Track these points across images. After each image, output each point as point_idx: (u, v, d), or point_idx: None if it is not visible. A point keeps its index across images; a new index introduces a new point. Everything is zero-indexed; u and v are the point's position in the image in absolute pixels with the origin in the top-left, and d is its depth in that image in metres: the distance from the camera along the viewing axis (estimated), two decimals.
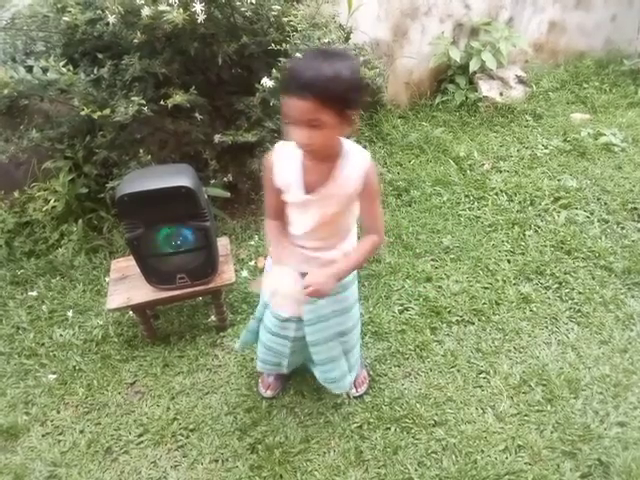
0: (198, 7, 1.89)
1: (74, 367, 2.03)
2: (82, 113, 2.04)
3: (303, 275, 1.44)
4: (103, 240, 2.57)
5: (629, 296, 2.21)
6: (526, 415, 1.78)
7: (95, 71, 2.14)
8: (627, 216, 2.64)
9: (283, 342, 1.63)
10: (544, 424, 1.75)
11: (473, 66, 3.53)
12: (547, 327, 2.10)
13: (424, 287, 2.28)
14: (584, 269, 2.34)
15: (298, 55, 1.17)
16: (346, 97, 1.10)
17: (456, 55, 3.49)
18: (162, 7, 1.88)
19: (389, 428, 1.76)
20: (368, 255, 1.40)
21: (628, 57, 4.07)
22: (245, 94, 2.29)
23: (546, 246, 2.47)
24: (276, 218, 1.41)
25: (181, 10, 1.88)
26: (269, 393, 1.87)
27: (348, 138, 1.28)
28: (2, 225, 2.55)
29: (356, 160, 1.27)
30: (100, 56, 2.16)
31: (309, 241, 1.42)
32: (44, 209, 2.53)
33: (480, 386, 1.89)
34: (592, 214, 2.66)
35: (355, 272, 1.57)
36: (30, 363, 2.05)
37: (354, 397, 1.86)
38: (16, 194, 2.66)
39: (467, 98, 3.61)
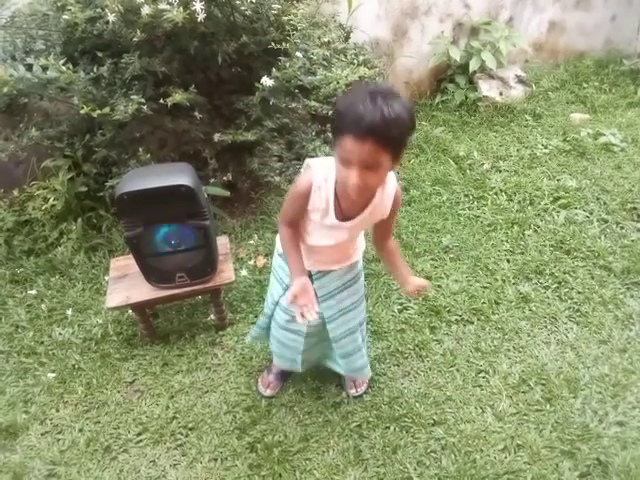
0: (198, 6, 1.88)
1: (73, 366, 2.03)
2: (82, 112, 2.04)
3: (317, 273, 1.50)
4: (102, 239, 2.56)
5: (628, 296, 2.21)
6: (525, 414, 1.78)
7: (95, 69, 2.14)
8: (626, 216, 2.64)
9: (295, 337, 1.65)
10: (543, 423, 1.75)
11: (473, 66, 3.53)
12: (546, 327, 2.10)
13: None
14: (583, 269, 2.35)
15: (347, 94, 1.15)
16: (405, 139, 1.10)
17: (456, 55, 3.49)
18: (162, 6, 1.87)
19: (388, 427, 1.76)
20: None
21: (628, 57, 4.07)
22: (245, 93, 2.29)
23: (545, 246, 2.47)
24: (291, 226, 1.40)
25: (181, 9, 1.87)
26: (269, 392, 1.87)
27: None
28: (1, 224, 2.55)
29: (389, 187, 1.28)
30: (100, 54, 2.16)
31: (326, 249, 1.44)
32: (43, 208, 2.53)
33: (479, 385, 1.89)
34: (591, 214, 2.66)
35: (362, 263, 1.61)
36: (29, 362, 2.05)
37: (354, 397, 1.86)
38: (15, 192, 2.66)
39: (467, 98, 3.62)
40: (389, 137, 1.05)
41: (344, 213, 1.30)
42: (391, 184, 1.29)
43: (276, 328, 1.68)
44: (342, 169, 1.13)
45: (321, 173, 1.26)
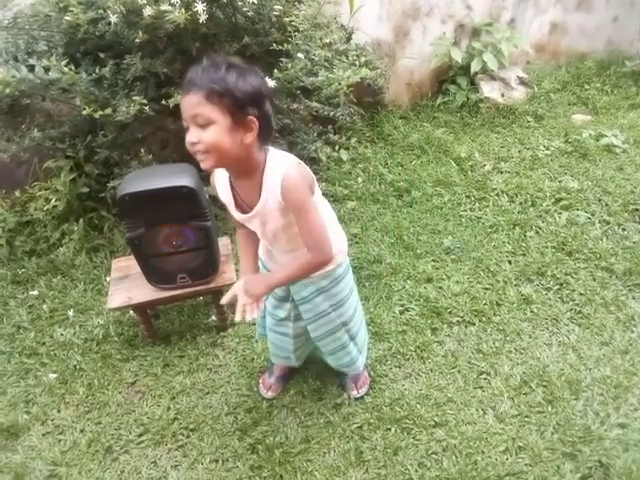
0: (200, 7, 1.89)
1: (75, 366, 2.03)
2: (84, 112, 2.04)
3: None
4: (104, 239, 2.57)
5: (630, 297, 2.21)
6: (527, 416, 1.78)
7: (97, 70, 2.14)
8: (628, 217, 2.63)
9: (284, 339, 1.68)
10: (545, 425, 1.75)
11: (474, 67, 3.52)
12: (548, 328, 2.10)
13: (425, 288, 2.28)
14: (585, 270, 2.34)
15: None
16: (233, 95, 1.09)
17: (457, 56, 3.48)
18: (164, 7, 1.88)
19: (389, 429, 1.76)
20: (300, 272, 1.35)
21: (630, 58, 4.06)
22: None
23: (547, 247, 2.47)
24: (241, 227, 1.42)
25: (183, 10, 1.88)
26: (270, 394, 1.87)
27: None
28: (3, 224, 2.56)
29: (274, 174, 1.21)
30: (102, 55, 2.17)
31: (276, 248, 1.43)
32: (45, 208, 2.53)
33: (481, 387, 1.89)
34: (593, 215, 2.65)
35: (346, 264, 1.56)
36: (31, 362, 2.06)
37: (355, 398, 1.85)
38: (17, 193, 2.66)
39: (468, 99, 3.61)
40: (210, 87, 1.07)
41: (246, 204, 1.29)
42: (277, 171, 1.20)
43: (267, 330, 1.71)
44: (186, 132, 1.13)
45: (217, 174, 1.31)
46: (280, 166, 1.21)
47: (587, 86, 3.89)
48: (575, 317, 2.14)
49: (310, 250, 1.29)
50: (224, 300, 1.39)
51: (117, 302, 1.92)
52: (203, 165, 1.16)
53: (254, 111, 1.13)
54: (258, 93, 1.14)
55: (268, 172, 1.22)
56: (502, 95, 3.64)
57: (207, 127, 1.10)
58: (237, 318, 1.32)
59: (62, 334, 2.16)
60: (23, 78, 2.02)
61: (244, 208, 1.30)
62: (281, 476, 1.64)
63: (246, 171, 1.22)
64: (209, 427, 1.79)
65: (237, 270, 2.26)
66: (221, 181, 1.31)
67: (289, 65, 2.15)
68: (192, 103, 1.08)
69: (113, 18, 1.98)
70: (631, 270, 2.31)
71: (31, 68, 2.07)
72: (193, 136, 1.11)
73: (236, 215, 1.33)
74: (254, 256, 1.50)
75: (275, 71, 2.12)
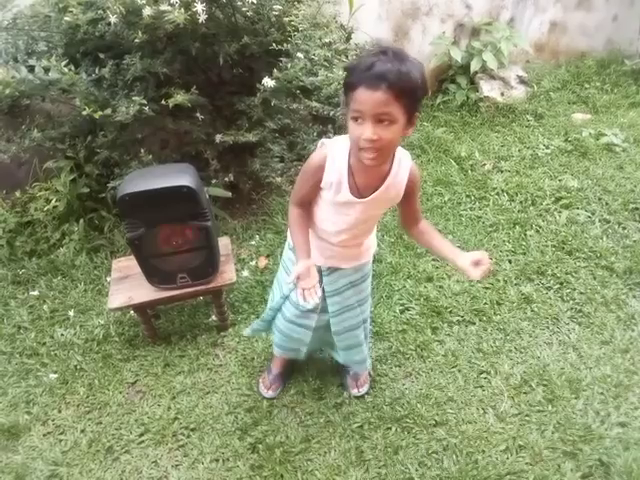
0: (199, 7, 1.89)
1: (75, 366, 2.03)
2: (83, 113, 2.04)
3: (327, 269, 1.50)
4: (104, 240, 2.57)
5: (630, 296, 2.21)
6: (527, 415, 1.78)
7: (96, 71, 2.14)
8: (628, 216, 2.63)
9: (304, 332, 1.66)
10: (545, 424, 1.75)
11: (474, 66, 3.52)
12: (548, 327, 2.10)
13: (425, 287, 2.28)
14: (585, 269, 2.34)
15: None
16: (416, 94, 1.09)
17: (457, 55, 3.49)
18: (163, 7, 1.88)
19: (390, 428, 1.76)
20: None
21: (629, 57, 4.07)
22: (246, 94, 2.29)
23: (547, 246, 2.47)
24: (301, 207, 1.39)
25: (182, 10, 1.87)
26: (270, 393, 1.87)
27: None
28: (4, 225, 2.55)
29: (404, 164, 1.27)
30: (101, 56, 2.16)
31: (339, 238, 1.40)
32: (45, 209, 2.53)
33: (481, 386, 1.89)
34: (593, 214, 2.65)
35: (372, 265, 1.62)
36: (31, 362, 2.06)
37: (355, 397, 1.86)
38: (17, 194, 2.66)
39: (468, 98, 3.61)
40: (401, 86, 1.04)
41: (359, 190, 1.27)
42: (406, 161, 1.27)
43: (283, 321, 1.67)
44: (355, 127, 1.10)
45: (336, 147, 1.26)
46: (406, 157, 1.28)
47: (587, 85, 3.90)
48: (575, 316, 2.14)
49: (421, 216, 1.43)
50: (291, 278, 1.29)
51: (117, 302, 1.92)
52: (371, 162, 1.14)
53: (420, 106, 1.15)
54: (427, 88, 1.14)
55: (397, 162, 1.25)
56: (502, 94, 3.64)
57: (388, 125, 1.08)
58: (301, 301, 1.28)
59: (62, 334, 2.16)
60: (23, 79, 2.02)
61: (357, 192, 1.28)
62: (282, 475, 1.64)
63: (385, 160, 1.22)
64: (209, 427, 1.80)
65: (238, 270, 2.27)
66: (338, 162, 1.25)
67: (289, 65, 2.14)
68: (381, 101, 1.05)
69: (113, 18, 1.98)
70: (631, 269, 2.31)
71: (31, 69, 2.07)
72: (374, 134, 1.08)
73: (347, 197, 1.27)
74: (308, 238, 1.43)
75: (275, 71, 2.12)
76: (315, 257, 1.43)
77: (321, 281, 1.48)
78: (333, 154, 1.26)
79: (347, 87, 1.10)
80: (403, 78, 1.04)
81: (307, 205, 1.39)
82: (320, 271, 1.48)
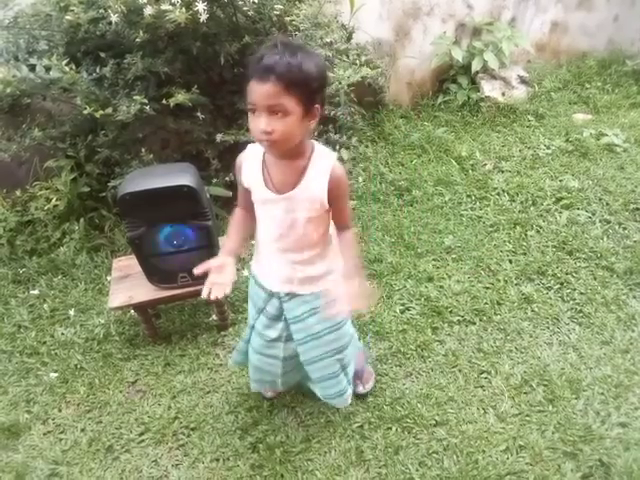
0: (200, 6, 1.89)
1: (75, 366, 2.03)
2: (84, 112, 2.04)
3: (286, 295, 1.43)
4: (105, 239, 2.57)
5: (631, 297, 2.21)
6: (527, 415, 1.78)
7: (97, 70, 2.15)
8: (629, 216, 2.63)
9: (273, 362, 1.58)
10: (545, 424, 1.75)
11: (475, 66, 3.52)
12: (548, 327, 2.10)
13: (426, 287, 2.28)
14: (586, 269, 2.34)
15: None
16: (310, 86, 1.09)
17: (458, 55, 3.48)
18: (165, 6, 1.88)
19: (390, 428, 1.76)
20: (356, 245, 1.39)
21: (630, 57, 4.06)
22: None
23: (548, 246, 2.47)
24: (243, 209, 1.41)
25: (183, 9, 1.88)
26: (270, 394, 1.87)
27: (313, 138, 1.26)
28: (4, 224, 2.56)
29: (323, 163, 1.23)
30: (103, 55, 2.17)
31: (278, 245, 1.36)
32: (46, 208, 2.53)
33: (481, 386, 1.89)
34: (594, 214, 2.65)
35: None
36: (32, 362, 2.06)
37: (361, 394, 1.84)
38: (18, 193, 2.66)
39: (469, 98, 3.61)
40: (290, 78, 1.05)
41: (276, 187, 1.25)
42: (327, 160, 1.23)
43: (252, 353, 1.60)
44: (251, 119, 1.12)
45: (252, 146, 1.29)
46: (328, 157, 1.24)
47: (588, 85, 3.89)
48: (576, 316, 2.14)
49: (349, 225, 1.36)
50: (198, 270, 1.30)
51: (118, 301, 1.92)
52: (270, 152, 1.19)
53: (319, 98, 1.14)
54: (325, 80, 1.15)
55: (316, 158, 1.23)
56: (503, 94, 3.63)
57: (282, 117, 1.08)
58: (204, 294, 1.27)
59: (63, 333, 2.16)
60: (24, 77, 2.02)
61: (273, 189, 1.26)
62: (282, 475, 1.64)
63: (293, 154, 1.21)
64: (210, 426, 1.80)
65: (238, 269, 2.27)
66: (252, 158, 1.29)
67: None
68: (270, 93, 1.06)
69: (114, 17, 1.98)
70: (632, 269, 2.31)
71: (32, 67, 2.07)
72: (268, 125, 1.08)
73: (264, 193, 1.27)
74: (242, 240, 1.44)
75: None
76: (272, 283, 1.44)
77: (282, 308, 1.47)
78: (248, 153, 1.30)
79: (246, 81, 1.12)
80: (293, 70, 1.05)
81: (249, 208, 1.37)
82: (279, 298, 1.45)
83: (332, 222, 1.37)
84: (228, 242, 1.40)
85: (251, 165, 1.29)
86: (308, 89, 1.09)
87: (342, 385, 1.63)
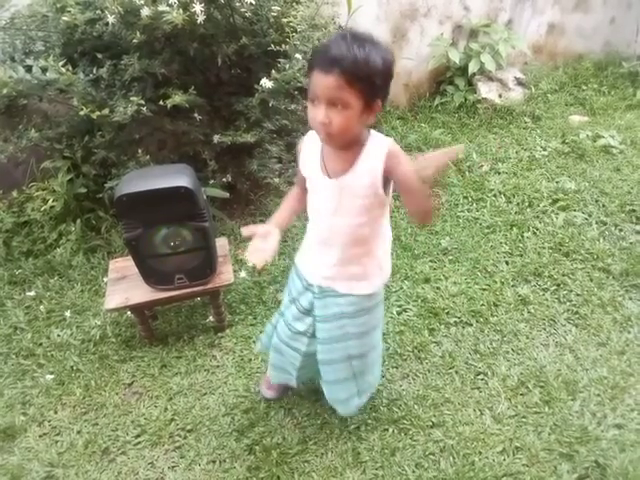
0: (198, 8, 1.89)
1: (72, 367, 2.02)
2: (81, 113, 2.04)
3: (320, 292, 1.42)
4: (101, 240, 2.56)
5: (627, 298, 2.21)
6: (524, 417, 1.78)
7: (94, 71, 2.14)
8: (625, 218, 2.64)
9: (294, 354, 1.58)
10: (542, 426, 1.75)
11: (472, 68, 3.53)
12: (545, 329, 2.10)
13: (422, 288, 2.28)
14: (582, 271, 2.35)
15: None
16: (373, 82, 1.07)
17: (455, 57, 3.49)
18: (162, 7, 1.88)
19: (387, 429, 1.76)
20: (421, 192, 1.25)
21: (627, 59, 4.08)
22: (244, 95, 2.29)
23: (544, 248, 2.48)
24: (299, 187, 1.41)
25: (181, 11, 1.88)
26: (270, 394, 1.85)
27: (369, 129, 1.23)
28: (0, 225, 2.55)
29: (378, 147, 1.20)
30: (99, 56, 2.16)
31: (329, 243, 1.35)
32: (42, 209, 2.53)
33: (478, 388, 1.89)
34: (590, 216, 2.66)
35: (380, 297, 1.51)
36: (27, 363, 2.05)
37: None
38: (14, 194, 2.66)
39: (466, 100, 3.62)
40: (355, 72, 1.03)
41: (329, 173, 1.25)
42: (380, 144, 1.20)
43: (276, 340, 1.61)
44: (310, 109, 1.12)
45: (311, 133, 1.29)
46: (383, 139, 1.22)
47: (584, 87, 3.91)
48: (572, 318, 2.14)
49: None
50: (246, 232, 1.30)
51: (114, 303, 1.92)
52: (326, 143, 1.19)
53: (383, 93, 1.13)
54: (391, 74, 1.13)
55: (371, 144, 1.20)
56: (500, 96, 3.65)
57: (341, 110, 1.07)
58: (247, 257, 1.26)
59: (59, 335, 2.15)
60: (20, 78, 2.02)
61: (326, 174, 1.27)
62: (278, 477, 1.64)
63: (349, 144, 1.20)
64: (206, 428, 1.79)
65: (235, 270, 2.27)
66: (310, 145, 1.30)
67: (287, 66, 2.15)
68: (333, 85, 1.04)
69: (111, 19, 1.98)
70: (628, 271, 2.31)
71: (28, 68, 2.07)
72: (326, 117, 1.08)
73: (318, 179, 1.28)
74: (291, 214, 1.44)
75: (273, 72, 2.12)
76: (311, 274, 1.44)
77: (313, 303, 1.46)
78: (307, 141, 1.32)
79: (308, 69, 1.11)
80: (359, 64, 1.03)
81: (304, 189, 1.37)
82: (313, 292, 1.44)
83: (387, 221, 1.37)
84: (279, 214, 1.41)
85: (309, 151, 1.30)
86: (371, 84, 1.07)
87: (351, 392, 1.61)
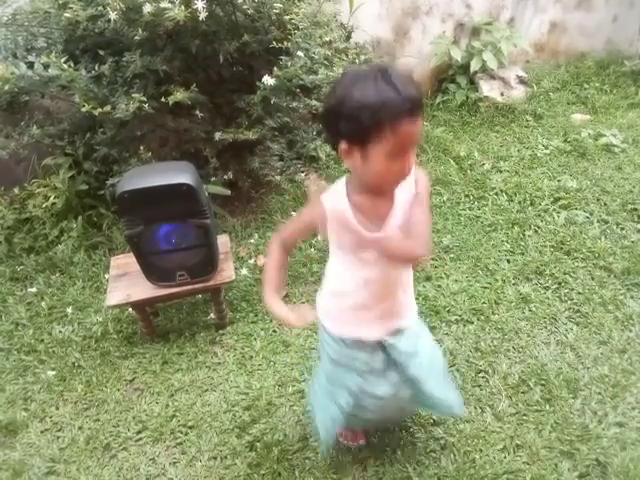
0: (200, 4, 1.88)
1: (73, 364, 2.03)
2: (83, 110, 2.04)
3: (392, 337, 1.31)
4: (103, 237, 2.57)
5: (628, 297, 2.21)
6: (525, 415, 1.78)
7: (96, 68, 2.14)
8: (627, 217, 2.64)
9: (382, 404, 1.43)
10: (542, 424, 1.75)
11: (474, 66, 3.53)
12: (546, 327, 2.10)
13: (424, 286, 2.28)
14: (583, 269, 2.34)
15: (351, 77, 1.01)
16: None
17: (457, 55, 3.49)
18: (164, 4, 1.87)
19: (388, 427, 1.76)
20: (405, 243, 1.10)
21: (629, 58, 4.07)
22: (246, 92, 2.29)
23: (546, 246, 2.47)
24: (285, 246, 1.27)
25: (183, 7, 1.87)
26: (362, 442, 1.70)
27: None
28: (2, 221, 2.55)
29: (412, 177, 1.11)
30: (101, 53, 2.16)
31: (386, 299, 1.25)
32: (44, 205, 2.53)
33: (479, 385, 1.89)
34: (592, 215, 2.66)
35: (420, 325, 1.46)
36: (29, 359, 2.05)
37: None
38: (16, 190, 2.66)
39: (468, 98, 3.61)
40: (422, 110, 0.99)
41: (369, 222, 1.12)
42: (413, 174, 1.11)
43: (371, 416, 1.49)
44: (390, 164, 0.99)
45: (329, 195, 1.14)
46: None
47: (586, 85, 3.90)
48: (573, 316, 2.14)
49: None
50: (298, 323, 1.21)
51: (116, 299, 1.92)
52: (391, 189, 1.08)
53: None
54: None
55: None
56: (501, 94, 3.64)
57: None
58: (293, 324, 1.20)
59: (61, 331, 2.16)
60: (22, 75, 2.02)
61: (370, 228, 1.12)
62: (279, 473, 1.64)
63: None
64: (207, 424, 1.80)
65: (237, 268, 2.27)
66: (334, 200, 1.12)
67: (289, 63, 2.14)
68: (420, 128, 0.99)
69: (112, 15, 1.97)
70: (629, 269, 2.31)
71: (30, 65, 2.07)
72: (412, 162, 1.02)
73: (365, 234, 1.11)
74: (282, 282, 1.31)
75: (275, 69, 2.12)
76: (372, 331, 1.30)
77: (389, 355, 1.34)
78: (330, 201, 1.13)
79: (376, 125, 0.94)
80: (421, 96, 0.99)
81: (291, 245, 1.29)
82: (383, 346, 1.32)
83: None
84: (273, 285, 1.25)
85: (336, 205, 1.12)
86: None
87: (453, 385, 1.60)
